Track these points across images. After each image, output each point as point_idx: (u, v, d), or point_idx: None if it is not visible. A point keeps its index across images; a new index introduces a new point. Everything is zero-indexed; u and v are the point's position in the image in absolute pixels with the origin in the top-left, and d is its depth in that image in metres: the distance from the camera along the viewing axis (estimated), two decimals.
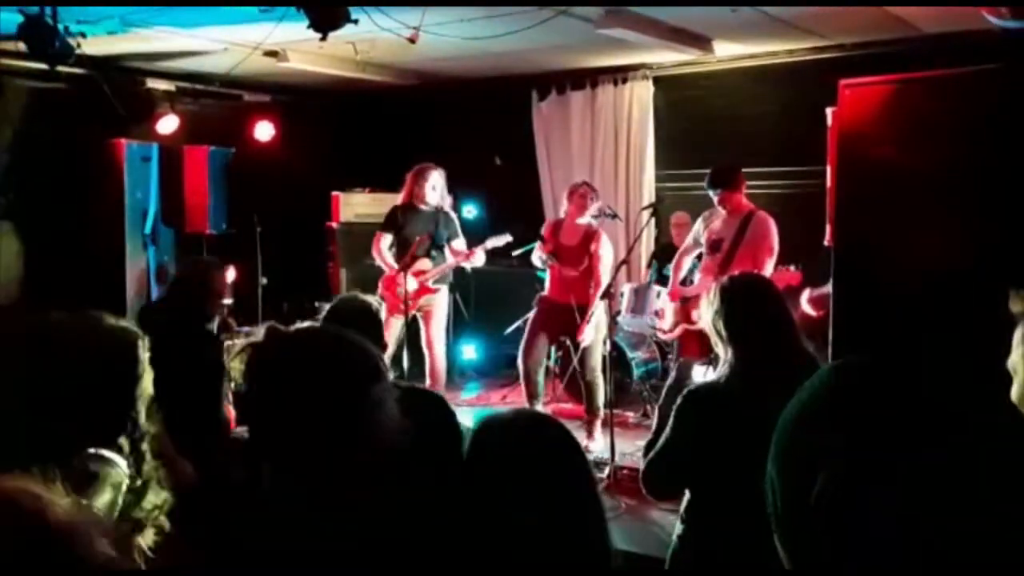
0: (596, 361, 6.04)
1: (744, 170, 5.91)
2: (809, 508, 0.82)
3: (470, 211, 8.22)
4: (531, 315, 6.28)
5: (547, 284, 6.24)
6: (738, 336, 2.68)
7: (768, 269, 5.52)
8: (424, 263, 6.32)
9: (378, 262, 6.44)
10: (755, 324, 2.68)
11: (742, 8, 5.81)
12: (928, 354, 0.87)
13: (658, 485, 2.84)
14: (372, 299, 3.19)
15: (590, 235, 6.03)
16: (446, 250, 6.38)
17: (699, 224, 5.93)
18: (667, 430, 2.69)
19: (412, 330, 6.44)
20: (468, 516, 1.50)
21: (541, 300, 6.24)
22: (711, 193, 5.70)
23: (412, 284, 6.23)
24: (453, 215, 6.52)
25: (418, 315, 6.42)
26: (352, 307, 3.05)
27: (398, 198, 6.52)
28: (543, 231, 6.24)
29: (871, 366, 0.88)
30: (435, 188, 6.34)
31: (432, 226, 6.33)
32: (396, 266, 6.26)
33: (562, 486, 1.49)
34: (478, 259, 6.41)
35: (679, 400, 2.68)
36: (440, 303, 6.42)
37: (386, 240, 6.39)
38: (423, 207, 6.34)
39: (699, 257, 5.97)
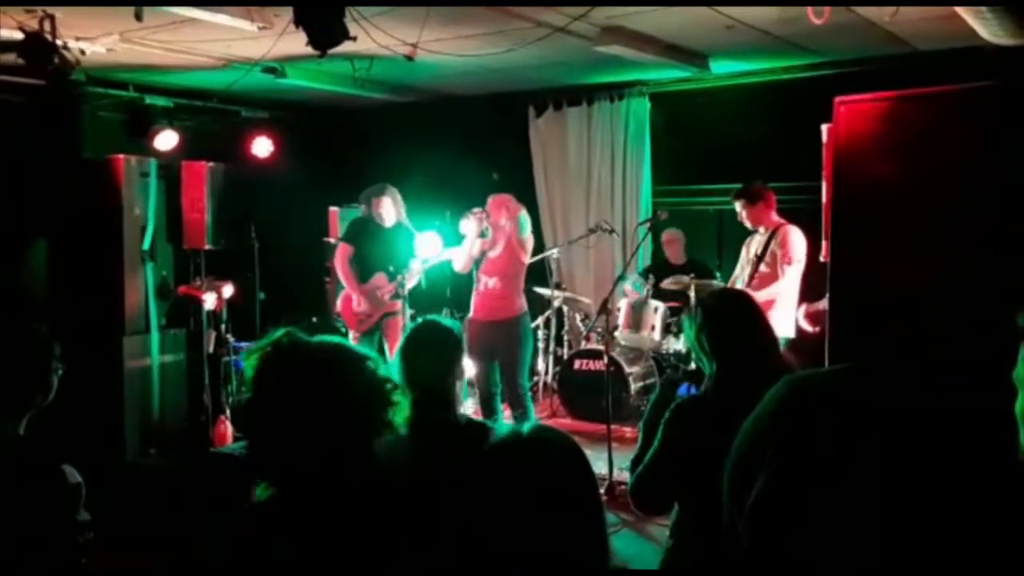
0: (523, 377, 5.97)
1: (739, 186, 5.97)
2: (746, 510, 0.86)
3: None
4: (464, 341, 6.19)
5: (472, 305, 6.12)
6: (721, 351, 2.71)
7: (789, 276, 5.59)
8: (381, 279, 6.31)
9: (340, 276, 6.43)
10: (737, 339, 2.72)
11: (738, 25, 5.86)
12: (888, 369, 0.88)
13: (647, 500, 2.84)
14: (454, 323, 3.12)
15: (507, 234, 5.98)
16: (405, 266, 6.29)
17: (742, 252, 6.10)
18: (655, 444, 2.70)
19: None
20: (471, 530, 1.50)
21: (468, 323, 6.12)
22: (736, 206, 5.87)
23: (368, 302, 6.26)
24: (412, 232, 6.45)
25: (380, 333, 6.40)
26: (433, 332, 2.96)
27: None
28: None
29: (822, 381, 0.90)
30: (388, 213, 6.33)
31: (390, 243, 6.33)
32: (356, 283, 6.30)
33: (567, 505, 1.50)
34: (415, 279, 6.33)
35: (667, 414, 2.70)
36: (400, 318, 6.31)
37: (348, 252, 6.40)
38: (381, 224, 6.34)
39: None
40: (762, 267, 5.75)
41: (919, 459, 0.81)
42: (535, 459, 1.51)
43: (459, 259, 6.13)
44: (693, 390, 2.95)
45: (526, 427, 1.57)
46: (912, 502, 0.79)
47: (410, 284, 6.29)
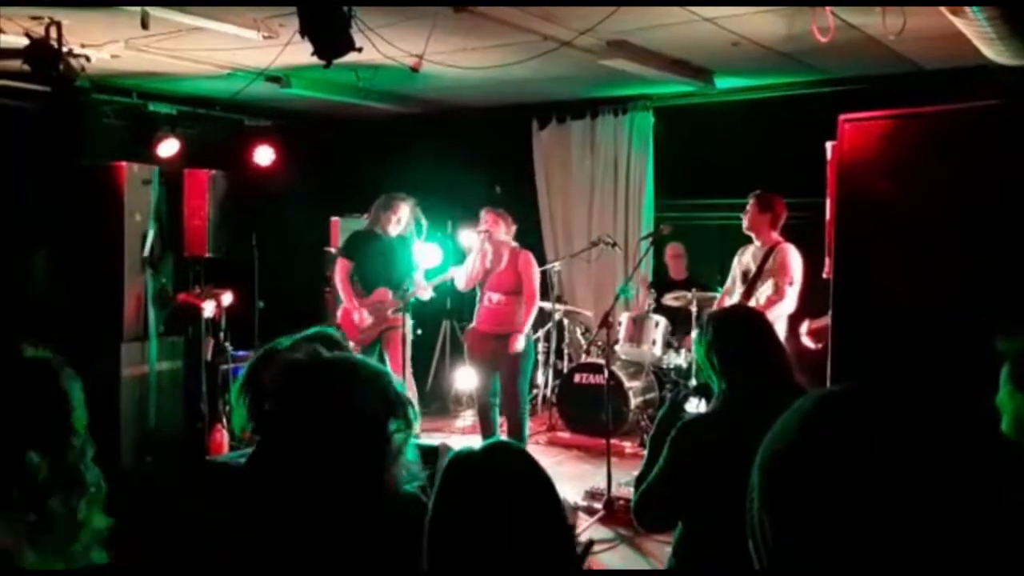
0: (523, 392, 5.96)
1: (742, 201, 5.96)
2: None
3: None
4: (465, 351, 6.24)
5: (475, 316, 6.13)
6: (731, 368, 2.68)
7: (788, 296, 5.57)
8: (384, 292, 6.29)
9: (339, 291, 6.41)
10: (748, 356, 2.69)
11: (743, 42, 5.86)
12: (912, 389, 0.86)
13: (650, 517, 2.80)
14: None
15: (515, 254, 5.99)
16: (408, 279, 6.30)
17: (734, 263, 6.05)
18: (661, 461, 2.66)
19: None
20: (431, 552, 1.51)
21: (468, 334, 6.15)
22: (748, 203, 5.83)
23: (370, 316, 6.24)
24: (415, 244, 6.42)
25: (381, 345, 6.37)
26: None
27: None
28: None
29: (850, 400, 0.88)
30: (400, 220, 6.27)
31: (392, 256, 6.29)
32: (354, 297, 6.27)
33: (526, 521, 1.50)
34: (429, 293, 6.35)
35: (673, 432, 2.66)
36: (400, 332, 6.24)
37: (348, 267, 6.37)
38: (384, 236, 6.29)
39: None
40: (757, 283, 5.70)
41: (962, 476, 0.79)
42: (486, 470, 1.52)
43: (460, 278, 6.13)
44: (704, 404, 2.91)
45: (479, 445, 1.60)
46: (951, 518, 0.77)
47: (424, 296, 6.29)
